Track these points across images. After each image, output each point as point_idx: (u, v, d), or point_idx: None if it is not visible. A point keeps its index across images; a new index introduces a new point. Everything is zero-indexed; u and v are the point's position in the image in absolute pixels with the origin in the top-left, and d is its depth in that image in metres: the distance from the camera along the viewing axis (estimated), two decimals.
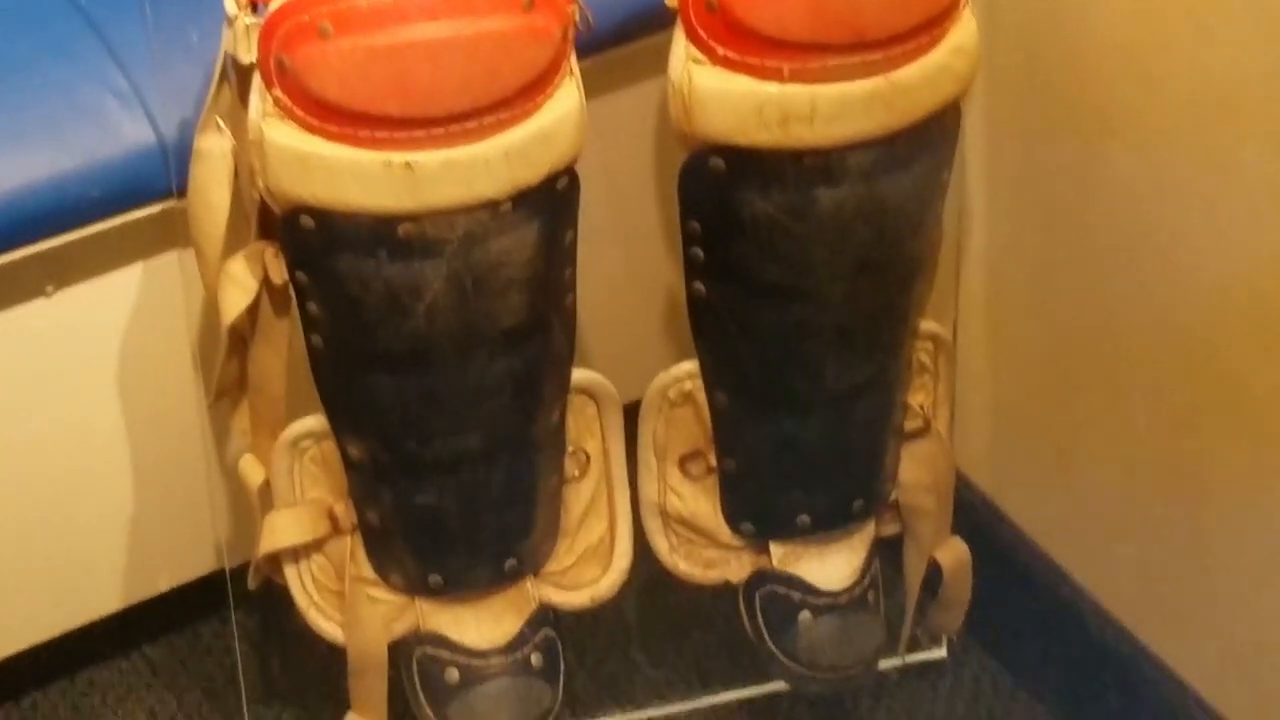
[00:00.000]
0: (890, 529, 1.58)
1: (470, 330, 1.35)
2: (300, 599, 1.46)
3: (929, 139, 1.39)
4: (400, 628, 1.47)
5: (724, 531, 1.52)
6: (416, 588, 1.46)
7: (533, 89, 1.30)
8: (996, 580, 1.66)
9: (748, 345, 1.44)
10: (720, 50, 1.33)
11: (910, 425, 1.55)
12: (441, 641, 1.46)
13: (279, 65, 1.26)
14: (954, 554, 1.60)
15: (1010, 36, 1.51)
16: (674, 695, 1.75)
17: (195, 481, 1.58)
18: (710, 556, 1.53)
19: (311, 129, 1.27)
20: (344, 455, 1.41)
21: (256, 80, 1.28)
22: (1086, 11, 1.45)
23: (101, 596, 1.64)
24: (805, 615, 1.52)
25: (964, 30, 1.38)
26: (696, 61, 1.34)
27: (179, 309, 1.49)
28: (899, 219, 1.40)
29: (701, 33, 1.33)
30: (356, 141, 1.27)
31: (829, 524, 1.52)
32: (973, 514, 1.70)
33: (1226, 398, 1.46)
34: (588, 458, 1.49)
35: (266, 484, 1.45)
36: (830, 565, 1.53)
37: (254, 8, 1.27)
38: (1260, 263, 1.39)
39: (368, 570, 1.45)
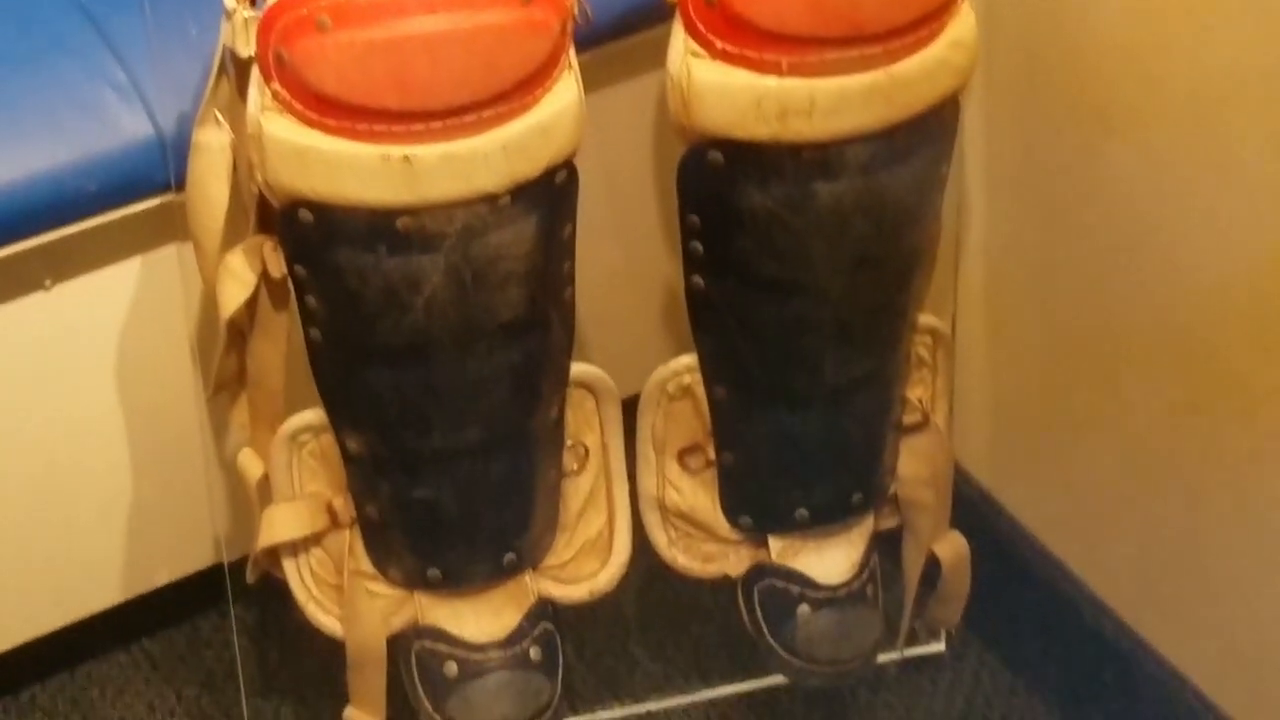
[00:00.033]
0: (889, 523, 1.58)
1: (469, 324, 1.35)
2: (299, 593, 1.46)
3: (928, 133, 1.39)
4: (399, 622, 1.47)
5: (723, 525, 1.52)
6: (415, 582, 1.45)
7: (531, 83, 1.30)
8: (995, 574, 1.66)
9: (746, 339, 1.44)
10: (719, 44, 1.33)
11: (909, 419, 1.55)
12: (440, 635, 1.46)
13: (277, 59, 1.26)
14: (953, 548, 1.60)
15: (1009, 30, 1.51)
16: (673, 689, 1.75)
17: (194, 475, 1.58)
18: (709, 550, 1.53)
19: (310, 123, 1.27)
20: (343, 449, 1.41)
21: (255, 74, 1.28)
22: (1086, 6, 1.45)
23: (100, 590, 1.64)
24: (804, 609, 1.52)
25: (963, 24, 1.38)
26: (695, 55, 1.34)
27: (177, 303, 1.49)
28: (898, 213, 1.40)
29: (700, 26, 1.33)
30: (355, 135, 1.27)
31: (828, 518, 1.52)
32: (971, 508, 1.70)
33: (1225, 392, 1.46)
34: (586, 452, 1.49)
35: (265, 478, 1.45)
36: (829, 559, 1.53)
37: (252, 1, 1.27)
38: (1259, 257, 1.39)
39: (366, 564, 1.45)
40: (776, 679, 1.66)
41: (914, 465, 1.55)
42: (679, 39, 1.34)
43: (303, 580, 1.46)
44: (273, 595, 1.49)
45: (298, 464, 1.43)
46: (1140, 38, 1.42)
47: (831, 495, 1.52)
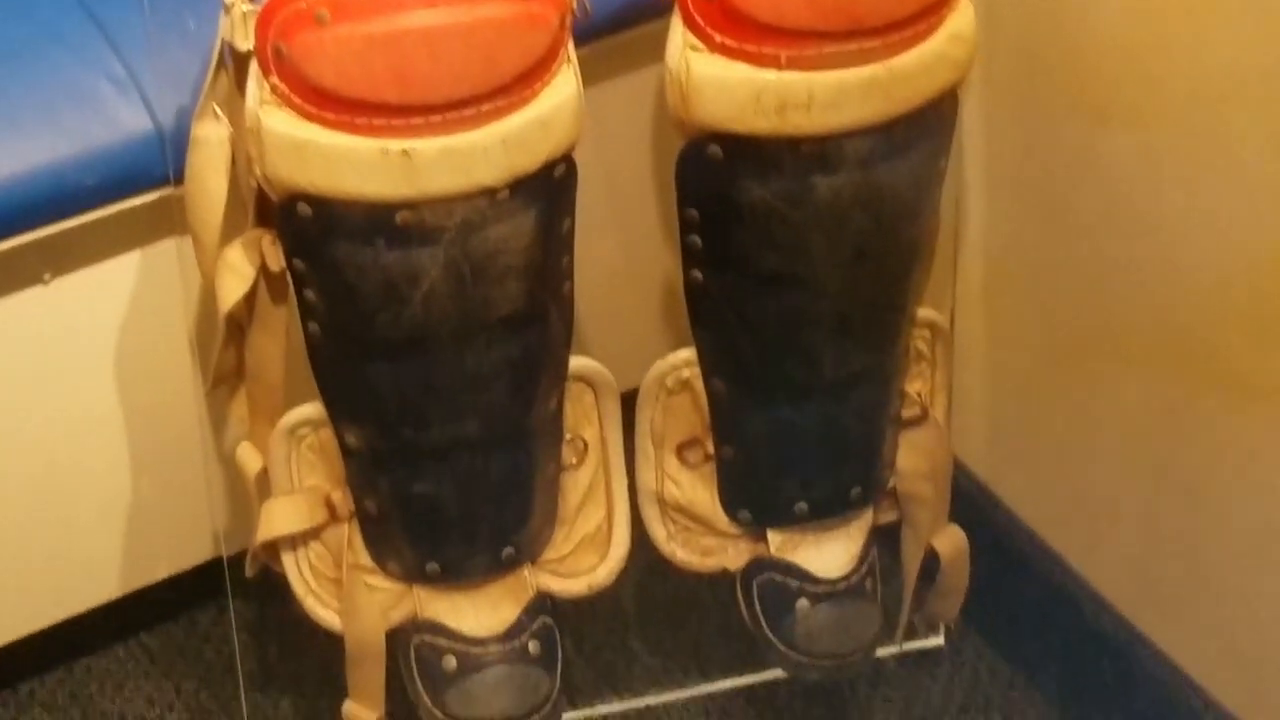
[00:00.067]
0: (888, 517, 1.58)
1: (468, 318, 1.35)
2: (298, 587, 1.46)
3: (926, 126, 1.39)
4: (398, 615, 1.47)
5: (721, 519, 1.52)
6: (414, 576, 1.46)
7: (530, 76, 1.30)
8: (994, 568, 1.66)
9: (745, 333, 1.44)
10: (718, 37, 1.33)
11: (908, 413, 1.55)
12: (439, 629, 1.46)
13: (276, 52, 1.26)
14: (951, 542, 1.60)
15: (1008, 24, 1.51)
16: (671, 683, 1.75)
17: (193, 469, 1.58)
18: (708, 544, 1.54)
19: (309, 116, 1.27)
20: (341, 443, 1.41)
21: (254, 67, 1.28)
22: (1085, 1, 1.45)
23: (99, 584, 1.64)
24: (803, 603, 1.52)
25: (961, 17, 1.38)
26: (694, 49, 1.34)
27: (176, 297, 1.49)
28: (896, 206, 1.40)
29: (699, 20, 1.33)
30: (354, 129, 1.27)
31: (827, 512, 1.52)
32: (970, 502, 1.70)
33: (1224, 387, 1.46)
34: (585, 446, 1.49)
35: (264, 472, 1.45)
36: (828, 553, 1.53)
37: None
38: (1258, 251, 1.39)
39: (365, 558, 1.45)
40: (775, 673, 1.66)
41: (913, 459, 1.55)
42: (678, 33, 1.34)
43: (301, 574, 1.46)
44: (272, 589, 1.50)
45: (296, 458, 1.43)
46: (1139, 32, 1.42)
47: (830, 489, 1.52)
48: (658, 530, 1.53)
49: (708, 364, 1.47)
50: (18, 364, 1.49)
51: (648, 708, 1.74)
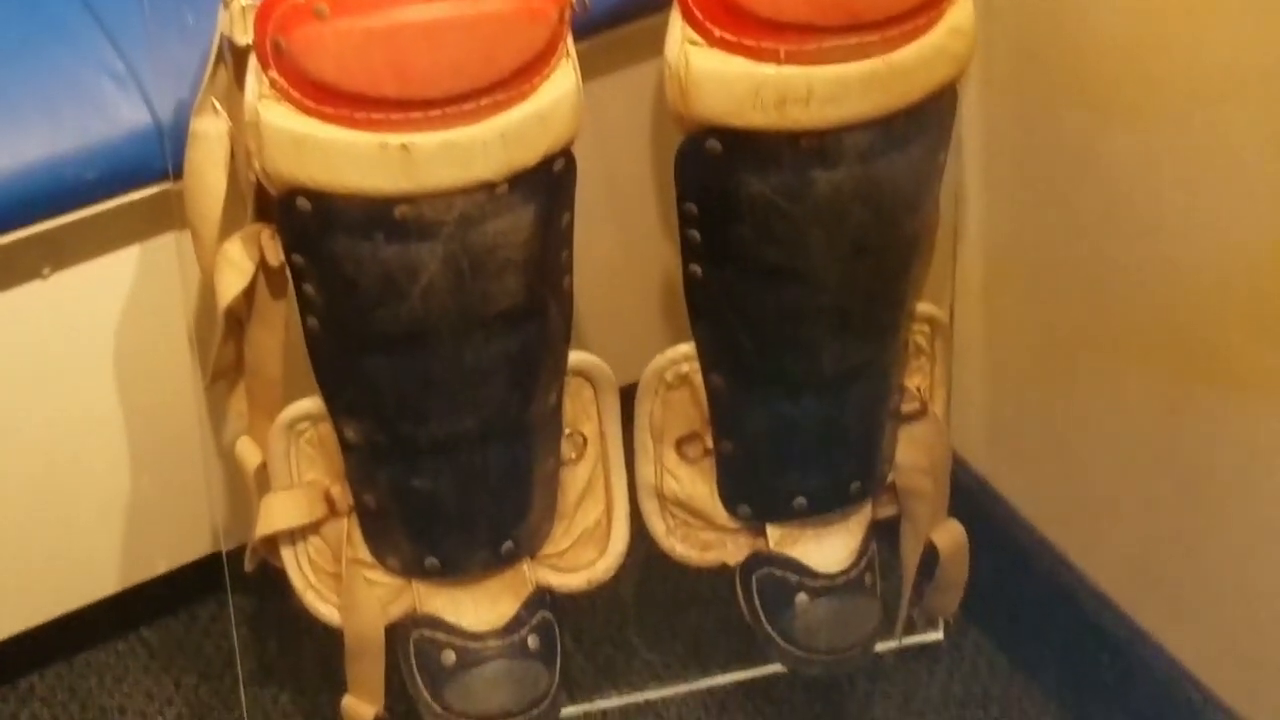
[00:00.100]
0: (887, 511, 1.58)
1: (466, 312, 1.35)
2: (297, 581, 1.46)
3: (926, 121, 1.39)
4: (397, 610, 1.47)
5: (721, 514, 1.52)
6: (413, 570, 1.46)
7: (529, 70, 1.30)
8: (993, 563, 1.66)
9: (744, 327, 1.44)
10: (717, 32, 1.33)
11: (907, 407, 1.55)
12: (438, 624, 1.46)
13: (275, 47, 1.26)
14: (950, 536, 1.60)
15: (1007, 18, 1.51)
16: (671, 677, 1.75)
17: (192, 464, 1.58)
18: (707, 539, 1.54)
19: (308, 111, 1.27)
20: (340, 438, 1.41)
21: (252, 62, 1.27)
22: None
23: (98, 579, 1.64)
24: (802, 597, 1.52)
25: (960, 12, 1.38)
26: (693, 43, 1.34)
27: (175, 291, 1.49)
28: (895, 201, 1.40)
29: (698, 14, 1.33)
30: (353, 123, 1.27)
31: (826, 506, 1.52)
32: (969, 496, 1.70)
33: (1223, 382, 1.46)
34: (584, 440, 1.49)
35: (263, 466, 1.45)
36: (827, 547, 1.53)
37: None
38: (1257, 245, 1.39)
39: (364, 553, 1.45)
40: (775, 667, 1.66)
41: (912, 454, 1.55)
42: (677, 27, 1.34)
43: (301, 569, 1.46)
44: (271, 584, 1.49)
45: (296, 452, 1.43)
46: (1137, 25, 1.42)
47: (830, 483, 1.52)
48: (657, 525, 1.53)
49: (707, 358, 1.47)
50: (16, 359, 1.49)
51: (647, 702, 1.74)
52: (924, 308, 1.54)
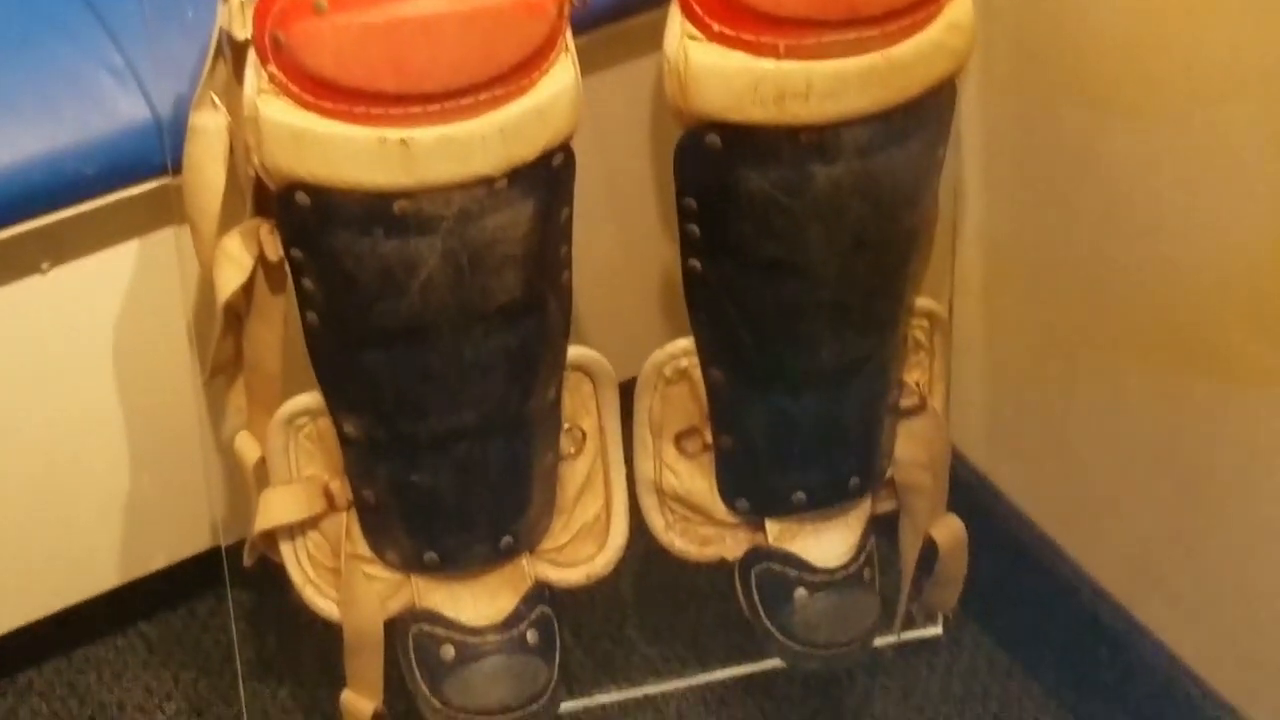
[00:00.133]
0: (886, 506, 1.58)
1: (465, 307, 1.34)
2: (296, 576, 1.46)
3: (925, 115, 1.39)
4: (396, 605, 1.47)
5: (720, 509, 1.52)
6: (412, 565, 1.46)
7: (528, 65, 1.30)
8: (992, 557, 1.66)
9: (744, 322, 1.44)
10: (716, 26, 1.33)
11: (906, 402, 1.55)
12: (437, 619, 1.46)
13: (274, 41, 1.26)
14: (949, 531, 1.60)
15: (1006, 13, 1.51)
16: (670, 672, 1.75)
17: (191, 459, 1.58)
18: (706, 534, 1.54)
19: (306, 105, 1.27)
20: (339, 432, 1.41)
21: (251, 56, 1.27)
22: None
23: (97, 573, 1.64)
24: (801, 592, 1.52)
25: (959, 7, 1.38)
26: (692, 38, 1.34)
27: (174, 286, 1.49)
28: (895, 195, 1.40)
29: (697, 9, 1.33)
30: (352, 118, 1.27)
31: (825, 501, 1.52)
32: (968, 491, 1.70)
33: (1222, 376, 1.46)
34: (583, 435, 1.49)
35: (262, 461, 1.45)
36: (826, 542, 1.53)
37: None
38: (1257, 241, 1.39)
39: (363, 548, 1.45)
40: (774, 662, 1.66)
41: (911, 449, 1.55)
42: (676, 22, 1.34)
43: (300, 563, 1.46)
44: (270, 579, 1.49)
45: (295, 447, 1.43)
46: (1137, 24, 1.42)
47: (829, 478, 1.52)
48: (656, 520, 1.53)
49: (706, 353, 1.47)
50: (15, 354, 1.49)
51: (646, 697, 1.74)
52: (923, 303, 1.54)
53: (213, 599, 1.78)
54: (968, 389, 1.70)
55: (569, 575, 1.51)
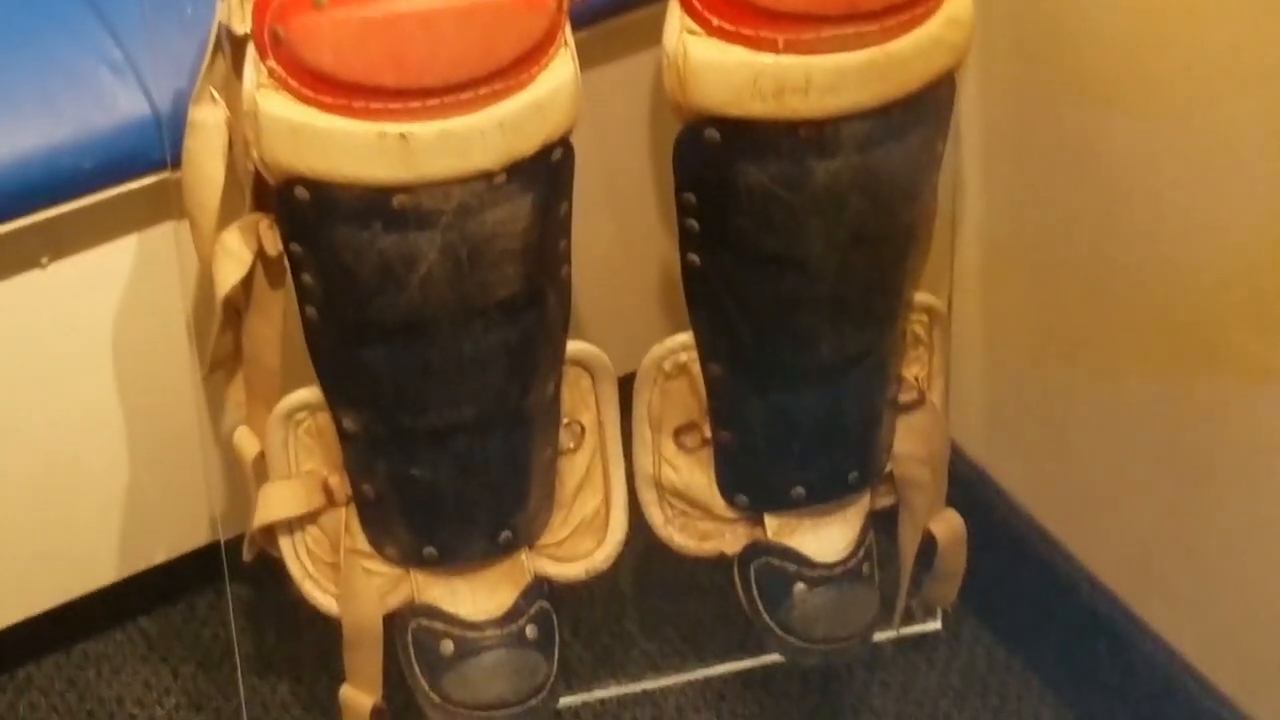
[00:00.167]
0: (885, 501, 1.58)
1: (465, 302, 1.34)
2: (295, 571, 1.46)
3: (924, 110, 1.39)
4: (395, 600, 1.47)
5: (719, 503, 1.52)
6: (411, 560, 1.46)
7: (528, 60, 1.30)
8: (991, 552, 1.66)
9: (743, 317, 1.44)
10: (715, 21, 1.33)
11: (905, 397, 1.55)
12: (436, 613, 1.46)
13: (273, 36, 1.26)
14: (948, 526, 1.60)
15: (1005, 8, 1.51)
16: (669, 667, 1.75)
17: (190, 454, 1.58)
18: (705, 528, 1.54)
19: (306, 100, 1.27)
20: (339, 427, 1.41)
21: (251, 51, 1.27)
22: None
23: (96, 568, 1.64)
24: (800, 587, 1.52)
25: (958, 2, 1.38)
26: (691, 33, 1.34)
27: (174, 281, 1.49)
28: (893, 190, 1.40)
29: (696, 3, 1.33)
30: (351, 113, 1.27)
31: (824, 496, 1.52)
32: (967, 486, 1.70)
33: (1221, 371, 1.46)
34: (582, 430, 1.49)
35: (261, 456, 1.44)
36: (825, 537, 1.53)
37: None
38: (1257, 240, 1.39)
39: (362, 542, 1.45)
40: (773, 657, 1.66)
41: (910, 443, 1.55)
42: (675, 16, 1.34)
43: (299, 558, 1.46)
44: (269, 573, 1.49)
45: (294, 442, 1.43)
46: (1137, 21, 1.42)
47: (828, 473, 1.52)
48: (655, 514, 1.53)
49: (705, 348, 1.47)
50: (14, 348, 1.49)
51: (645, 692, 1.74)
52: (922, 297, 1.54)
53: (212, 594, 1.78)
54: (967, 384, 1.70)
55: (568, 570, 1.51)
